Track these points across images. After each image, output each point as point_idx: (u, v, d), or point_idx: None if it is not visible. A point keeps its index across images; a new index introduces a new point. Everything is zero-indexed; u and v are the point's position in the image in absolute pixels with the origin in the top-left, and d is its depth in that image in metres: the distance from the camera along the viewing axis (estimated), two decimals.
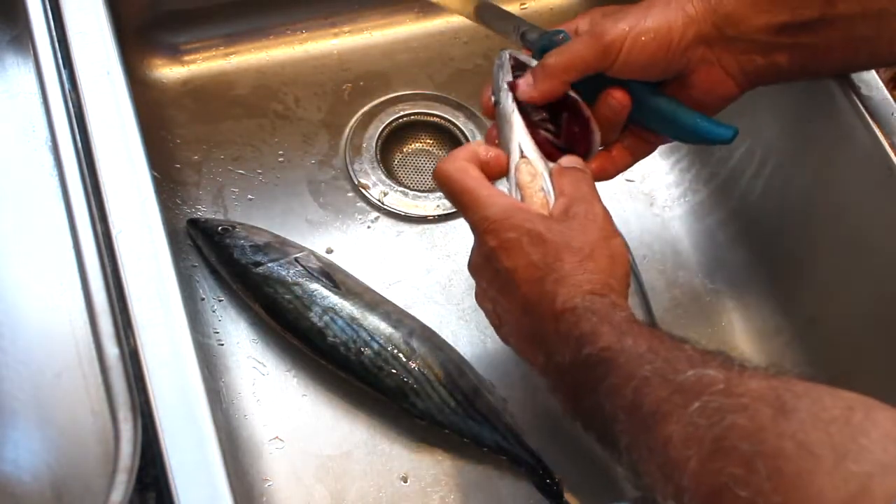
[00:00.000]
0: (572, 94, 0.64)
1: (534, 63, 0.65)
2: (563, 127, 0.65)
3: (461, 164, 0.61)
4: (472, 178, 0.61)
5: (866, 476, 0.39)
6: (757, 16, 0.62)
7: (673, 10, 0.62)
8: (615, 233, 0.61)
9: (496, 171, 0.63)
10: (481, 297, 0.63)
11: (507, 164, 0.63)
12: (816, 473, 0.40)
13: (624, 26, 0.62)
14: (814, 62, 0.64)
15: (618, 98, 0.64)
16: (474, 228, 0.61)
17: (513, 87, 0.64)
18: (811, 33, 0.62)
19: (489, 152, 0.63)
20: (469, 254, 0.63)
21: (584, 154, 0.65)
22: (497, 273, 0.60)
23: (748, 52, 0.63)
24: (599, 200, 0.62)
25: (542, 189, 0.62)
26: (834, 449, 0.40)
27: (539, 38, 0.68)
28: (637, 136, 0.67)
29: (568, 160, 0.63)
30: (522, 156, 0.63)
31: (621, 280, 0.59)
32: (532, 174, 0.62)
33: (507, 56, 0.66)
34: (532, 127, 0.64)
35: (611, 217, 0.61)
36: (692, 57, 0.63)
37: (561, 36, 0.66)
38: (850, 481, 0.39)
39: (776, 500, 0.41)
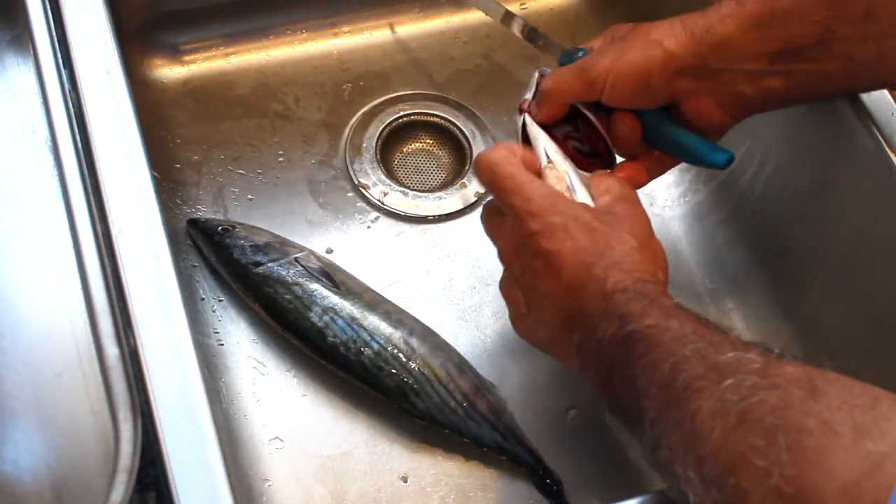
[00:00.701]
0: (579, 106, 0.67)
1: None
2: (583, 133, 0.69)
3: (504, 153, 0.63)
4: (516, 166, 0.62)
5: (881, 455, 0.40)
6: (748, 45, 0.62)
7: (651, 46, 0.63)
8: (655, 237, 0.62)
9: (532, 169, 0.65)
10: (509, 284, 0.64)
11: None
12: (834, 449, 0.41)
13: (606, 63, 0.64)
14: (811, 88, 0.64)
15: (626, 123, 0.67)
16: (515, 213, 0.61)
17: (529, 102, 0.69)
18: (808, 61, 0.62)
19: (526, 152, 0.65)
20: (500, 243, 0.64)
21: (608, 153, 0.69)
22: (536, 257, 0.60)
23: (736, 83, 0.63)
24: (641, 205, 0.63)
25: (569, 189, 0.63)
26: (854, 429, 0.41)
27: (560, 56, 0.71)
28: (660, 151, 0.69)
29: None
30: (549, 160, 0.65)
31: (666, 274, 0.60)
32: (558, 177, 0.64)
33: (537, 74, 0.70)
34: (560, 139, 0.68)
35: (650, 223, 0.63)
36: (678, 88, 0.64)
37: (580, 53, 0.69)
38: (865, 459, 0.40)
39: (792, 471, 0.41)
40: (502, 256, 0.64)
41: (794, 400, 0.44)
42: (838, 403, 0.43)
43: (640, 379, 0.51)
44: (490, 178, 0.63)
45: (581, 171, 0.65)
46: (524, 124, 0.68)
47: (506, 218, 0.63)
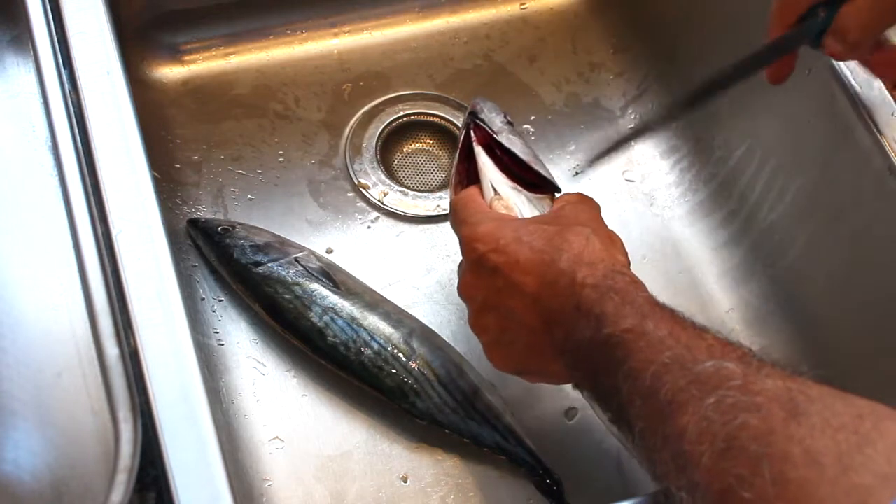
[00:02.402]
0: (504, 144, 0.68)
1: (495, 120, 0.69)
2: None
3: (471, 190, 0.66)
4: (474, 200, 0.65)
5: (867, 489, 0.39)
6: None
7: None
8: (606, 226, 0.62)
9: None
10: (476, 316, 0.63)
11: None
12: (820, 483, 0.40)
13: None
14: None
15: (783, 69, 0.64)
16: (465, 241, 0.62)
17: (470, 135, 0.69)
18: None
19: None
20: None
21: (545, 181, 0.68)
22: (494, 275, 0.60)
23: None
24: (593, 205, 0.64)
25: (519, 215, 0.65)
26: (839, 458, 0.41)
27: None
28: None
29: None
30: (495, 193, 0.66)
31: (625, 255, 0.60)
32: (506, 207, 0.65)
33: (469, 109, 0.70)
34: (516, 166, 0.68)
35: (600, 216, 0.63)
36: None
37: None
38: (851, 494, 0.40)
39: None
40: (461, 291, 0.64)
41: (776, 423, 0.43)
42: (821, 426, 0.42)
43: (623, 387, 0.51)
44: (452, 213, 0.66)
45: (532, 194, 0.67)
46: (463, 156, 0.69)
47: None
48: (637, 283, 0.56)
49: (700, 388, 0.47)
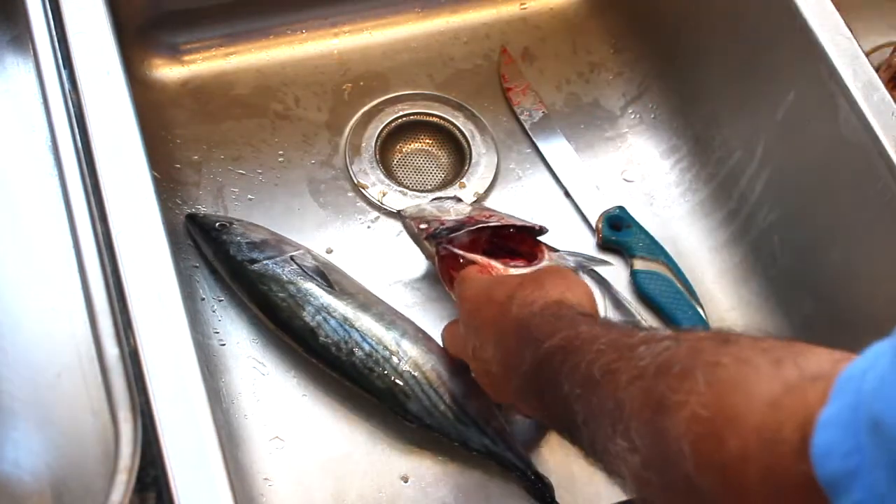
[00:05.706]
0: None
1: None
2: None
3: (469, 268, 0.72)
4: (470, 271, 0.71)
5: (798, 379, 0.40)
6: None
7: None
8: (573, 281, 0.65)
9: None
10: (474, 365, 0.68)
11: None
12: (752, 379, 0.41)
13: None
14: None
15: None
16: (459, 303, 0.69)
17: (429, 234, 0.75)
18: None
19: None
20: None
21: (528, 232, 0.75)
22: (471, 316, 0.66)
23: None
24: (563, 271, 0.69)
25: None
26: (772, 363, 0.42)
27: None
28: None
29: None
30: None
31: (585, 296, 0.62)
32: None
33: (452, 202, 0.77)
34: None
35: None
36: None
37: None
38: (787, 381, 0.40)
39: (708, 398, 0.42)
40: (450, 348, 0.72)
41: (707, 347, 0.45)
42: (751, 345, 0.44)
43: (564, 387, 0.53)
44: (455, 293, 0.72)
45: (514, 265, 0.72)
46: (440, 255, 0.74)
47: None
48: (572, 307, 0.59)
49: (632, 351, 0.48)
